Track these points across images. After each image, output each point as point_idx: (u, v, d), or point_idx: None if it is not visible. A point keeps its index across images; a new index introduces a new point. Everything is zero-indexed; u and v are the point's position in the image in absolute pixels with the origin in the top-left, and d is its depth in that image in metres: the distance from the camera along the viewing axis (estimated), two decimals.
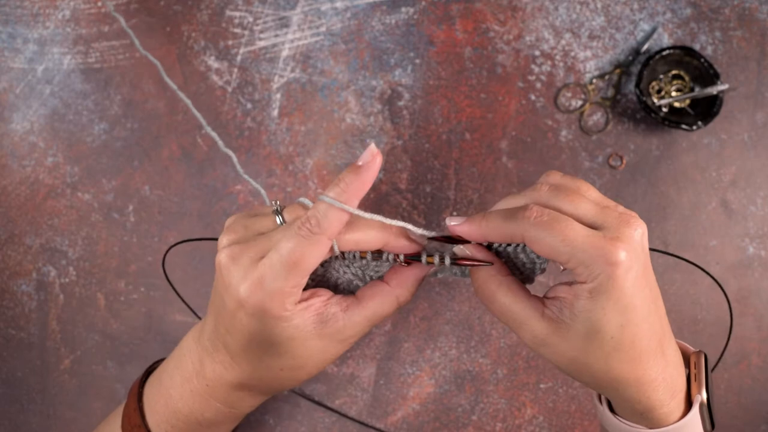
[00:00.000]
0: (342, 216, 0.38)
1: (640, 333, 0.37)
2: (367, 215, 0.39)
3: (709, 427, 0.40)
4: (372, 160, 0.38)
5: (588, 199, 0.38)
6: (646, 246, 0.37)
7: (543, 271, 0.42)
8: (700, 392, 0.39)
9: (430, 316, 0.62)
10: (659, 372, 0.38)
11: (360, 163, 0.38)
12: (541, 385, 0.62)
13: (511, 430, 0.62)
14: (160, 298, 0.64)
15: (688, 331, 0.61)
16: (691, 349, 0.43)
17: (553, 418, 0.61)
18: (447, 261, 0.41)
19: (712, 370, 0.49)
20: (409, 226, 0.40)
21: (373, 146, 0.38)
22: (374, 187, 0.63)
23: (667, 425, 0.39)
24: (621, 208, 0.38)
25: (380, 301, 0.42)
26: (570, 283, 0.38)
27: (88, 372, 0.65)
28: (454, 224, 0.40)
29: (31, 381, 0.65)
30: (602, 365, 0.38)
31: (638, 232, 0.36)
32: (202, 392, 0.43)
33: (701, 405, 0.39)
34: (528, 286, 0.42)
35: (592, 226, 0.37)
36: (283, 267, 0.37)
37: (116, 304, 0.65)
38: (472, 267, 0.41)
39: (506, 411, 0.62)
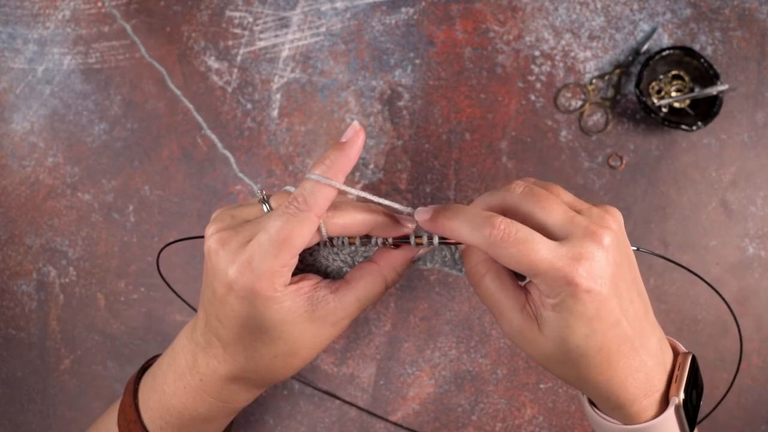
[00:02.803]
0: (329, 192, 0.38)
1: (607, 341, 0.37)
2: (354, 191, 0.39)
3: (687, 429, 0.40)
4: (355, 136, 0.39)
5: (560, 203, 0.38)
6: (612, 256, 0.37)
7: None
8: (677, 394, 0.39)
9: (430, 316, 0.63)
10: (630, 373, 0.39)
11: (344, 140, 0.39)
12: (541, 385, 0.62)
13: (511, 430, 0.62)
14: (160, 298, 0.64)
15: (688, 331, 0.61)
16: (681, 349, 0.43)
17: (553, 418, 0.61)
18: (435, 241, 0.41)
19: (730, 387, 0.50)
20: (395, 205, 0.41)
21: (356, 123, 0.39)
22: (374, 187, 0.63)
23: (639, 423, 0.40)
24: (594, 212, 0.38)
25: (370, 281, 0.42)
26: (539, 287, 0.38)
27: (88, 372, 0.65)
28: (423, 219, 0.40)
29: (31, 381, 0.65)
30: (571, 367, 0.39)
31: (606, 241, 0.36)
32: (195, 387, 0.43)
33: (677, 407, 0.39)
34: None
35: (559, 236, 0.37)
36: (272, 245, 0.37)
37: (116, 304, 0.65)
38: (464, 249, 0.42)
39: (506, 411, 0.62)
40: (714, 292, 0.54)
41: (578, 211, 0.38)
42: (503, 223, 0.36)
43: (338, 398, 0.62)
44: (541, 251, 0.36)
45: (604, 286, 0.36)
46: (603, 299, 0.36)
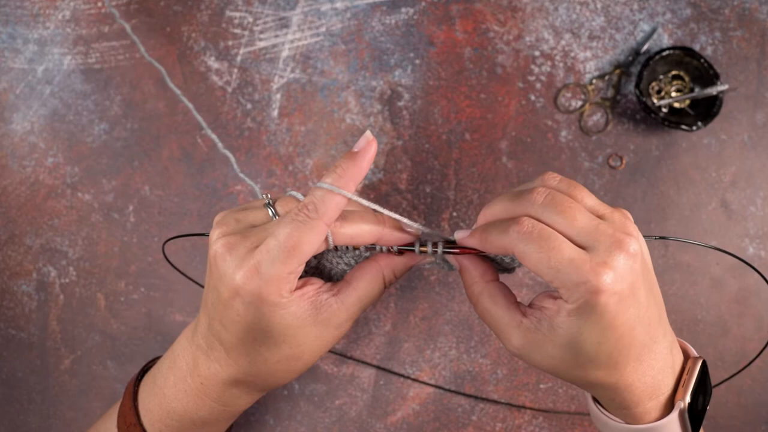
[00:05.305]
0: (339, 201, 0.38)
1: (618, 348, 0.37)
2: (364, 201, 0.40)
3: None
4: (367, 146, 0.39)
5: (584, 211, 0.38)
6: (637, 265, 0.36)
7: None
8: (683, 398, 0.39)
9: (430, 316, 0.63)
10: (637, 377, 0.39)
11: (356, 150, 0.39)
12: (541, 385, 0.62)
13: (511, 430, 0.62)
14: (160, 298, 0.64)
15: (688, 331, 0.61)
16: (693, 353, 0.43)
17: (553, 418, 0.61)
18: (440, 250, 0.41)
19: (744, 368, 0.50)
20: (405, 220, 0.41)
21: (368, 133, 0.39)
22: (374, 187, 0.63)
23: (642, 423, 0.40)
24: (617, 217, 0.38)
25: (370, 280, 0.42)
26: (554, 296, 0.38)
27: (88, 372, 0.65)
28: (462, 236, 0.41)
29: (31, 381, 0.65)
30: (578, 372, 0.39)
31: (632, 249, 0.36)
32: (196, 391, 0.43)
33: (681, 411, 0.39)
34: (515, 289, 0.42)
35: (584, 245, 0.36)
36: (281, 252, 0.37)
37: (116, 304, 0.65)
38: (461, 267, 0.42)
39: (506, 411, 0.62)
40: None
41: (600, 216, 0.38)
42: (529, 221, 0.37)
43: (372, 365, 0.62)
44: (566, 251, 0.35)
45: (625, 295, 0.36)
46: (622, 309, 0.36)
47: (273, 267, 0.37)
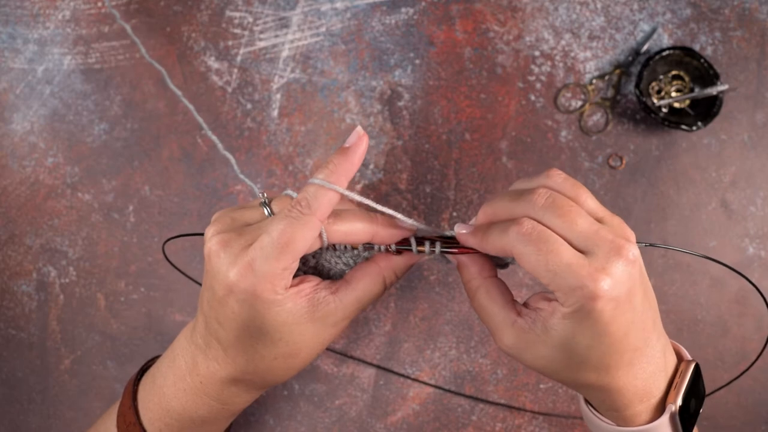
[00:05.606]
0: (332, 197, 0.38)
1: (611, 352, 0.37)
2: (356, 197, 0.40)
3: None
4: (359, 141, 0.39)
5: (584, 215, 0.37)
6: (635, 271, 0.36)
7: None
8: (674, 401, 0.39)
9: (430, 316, 0.62)
10: (629, 380, 0.39)
11: (347, 145, 0.39)
12: (541, 385, 0.62)
13: (511, 430, 0.62)
14: (160, 298, 0.64)
15: (688, 331, 0.61)
16: (686, 356, 0.43)
17: (553, 418, 0.61)
18: (437, 249, 0.42)
19: (745, 370, 0.50)
20: (399, 216, 0.41)
21: (359, 128, 0.39)
22: (374, 187, 0.63)
23: (633, 426, 0.40)
24: (617, 223, 0.38)
25: (370, 282, 0.42)
26: (549, 298, 0.38)
27: (88, 372, 0.65)
28: (463, 232, 0.41)
29: (31, 381, 0.65)
30: (569, 374, 0.39)
31: (630, 256, 0.36)
32: (195, 389, 0.43)
33: (672, 414, 0.39)
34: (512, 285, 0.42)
35: (583, 249, 0.36)
36: (274, 249, 0.37)
37: (116, 304, 0.65)
38: (458, 263, 0.42)
39: (506, 411, 0.62)
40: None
41: (599, 219, 0.38)
42: (529, 222, 0.37)
43: (378, 366, 0.62)
44: (564, 255, 0.36)
45: (621, 301, 0.36)
46: (618, 315, 0.36)
47: (267, 263, 0.37)
